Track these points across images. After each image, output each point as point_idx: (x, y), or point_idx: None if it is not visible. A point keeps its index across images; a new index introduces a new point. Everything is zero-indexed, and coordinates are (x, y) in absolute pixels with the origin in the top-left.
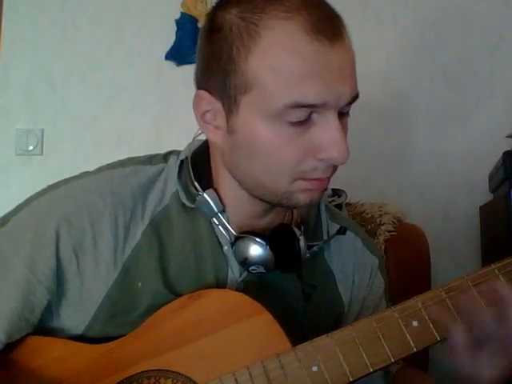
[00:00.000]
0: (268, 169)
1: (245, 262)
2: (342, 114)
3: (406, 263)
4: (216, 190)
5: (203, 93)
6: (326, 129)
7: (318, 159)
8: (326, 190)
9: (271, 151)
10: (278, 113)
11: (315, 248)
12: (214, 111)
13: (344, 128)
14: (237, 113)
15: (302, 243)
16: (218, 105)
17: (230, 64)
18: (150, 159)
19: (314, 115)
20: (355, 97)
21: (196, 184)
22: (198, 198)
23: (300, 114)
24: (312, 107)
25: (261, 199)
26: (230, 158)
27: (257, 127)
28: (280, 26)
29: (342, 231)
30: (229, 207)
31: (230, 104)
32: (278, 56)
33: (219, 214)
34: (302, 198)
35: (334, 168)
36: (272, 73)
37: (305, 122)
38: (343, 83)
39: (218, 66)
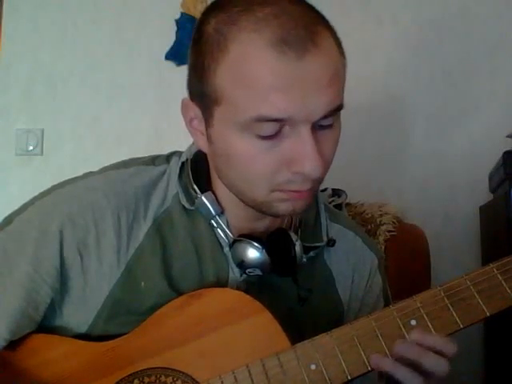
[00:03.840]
0: (244, 178)
1: (242, 265)
2: (322, 126)
3: (406, 263)
4: (214, 193)
5: (187, 101)
6: (297, 143)
7: (292, 172)
8: (312, 197)
9: (244, 163)
10: (246, 126)
11: (312, 253)
12: (198, 118)
13: (323, 141)
14: (212, 123)
15: (298, 248)
16: (200, 113)
17: (204, 76)
18: (153, 160)
19: (286, 128)
20: (336, 109)
21: (195, 186)
22: (196, 201)
23: (268, 128)
24: (279, 121)
25: (246, 204)
26: (215, 163)
27: (229, 139)
28: (247, 40)
29: (330, 243)
30: (227, 210)
31: (206, 114)
32: (243, 69)
33: (217, 217)
34: (283, 208)
35: (315, 181)
36: (238, 86)
37: (276, 136)
38: (316, 97)
39: (196, 77)
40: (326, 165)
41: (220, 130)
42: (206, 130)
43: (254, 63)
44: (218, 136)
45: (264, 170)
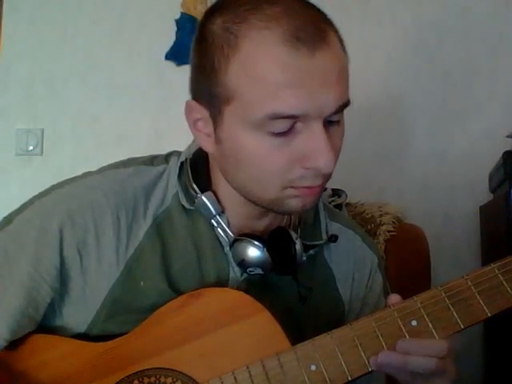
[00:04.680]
0: (255, 178)
1: (242, 264)
2: (331, 122)
3: (406, 263)
4: (215, 192)
5: (192, 102)
6: (310, 138)
7: (304, 168)
8: (321, 194)
9: (256, 161)
10: (259, 123)
11: (311, 251)
12: (204, 119)
13: (333, 136)
14: (222, 123)
15: (298, 247)
16: (207, 114)
17: (213, 75)
18: (152, 160)
19: (299, 124)
20: (343, 105)
21: (194, 186)
22: (196, 201)
23: (282, 125)
24: (293, 118)
25: (255, 203)
26: (221, 164)
27: (241, 138)
28: (258, 36)
29: (332, 239)
30: (228, 209)
31: (215, 114)
32: (255, 66)
33: (217, 217)
34: (294, 205)
35: (325, 177)
36: (250, 83)
37: (289, 132)
38: (326, 92)
39: (204, 77)
40: (336, 160)
41: (230, 129)
42: (215, 130)
43: (265, 60)
44: (227, 136)
45: (277, 166)
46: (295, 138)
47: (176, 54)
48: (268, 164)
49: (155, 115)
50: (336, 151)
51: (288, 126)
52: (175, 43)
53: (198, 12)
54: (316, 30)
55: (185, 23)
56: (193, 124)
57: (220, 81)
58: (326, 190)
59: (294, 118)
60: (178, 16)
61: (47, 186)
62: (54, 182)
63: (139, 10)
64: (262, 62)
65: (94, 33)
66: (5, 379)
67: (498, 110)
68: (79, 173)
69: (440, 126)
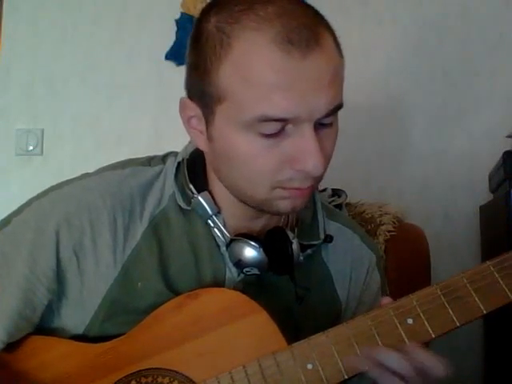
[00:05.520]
0: (246, 177)
1: (239, 264)
2: (323, 125)
3: (406, 263)
4: (211, 193)
5: (186, 100)
6: (300, 141)
7: (294, 170)
8: (311, 195)
9: (246, 161)
10: (250, 124)
11: (309, 251)
12: (197, 117)
13: (324, 139)
14: (213, 122)
15: (295, 246)
16: (200, 112)
17: (206, 74)
18: (149, 161)
19: (289, 126)
20: (336, 108)
21: (191, 186)
22: (193, 201)
23: (272, 127)
24: (283, 120)
25: (246, 203)
26: (214, 163)
27: (231, 137)
28: (251, 38)
29: (328, 239)
30: (224, 209)
31: (207, 113)
32: (247, 67)
33: (214, 217)
34: (283, 206)
35: (315, 179)
36: (241, 84)
37: (279, 134)
38: (318, 96)
39: (197, 76)
40: (327, 162)
41: (221, 129)
42: (207, 128)
43: (257, 62)
44: (219, 134)
45: (266, 167)
46: (285, 139)
47: (176, 54)
48: (258, 164)
49: (155, 115)
50: (327, 154)
51: (278, 127)
52: (175, 43)
53: (198, 12)
54: (309, 32)
55: (185, 23)
56: (187, 121)
57: (212, 80)
58: (325, 189)
59: (285, 120)
60: (178, 16)
61: (47, 186)
62: (54, 182)
63: (139, 10)
64: (254, 64)
65: (94, 33)
66: (5, 379)
67: (497, 110)
68: (79, 173)
69: (440, 125)
